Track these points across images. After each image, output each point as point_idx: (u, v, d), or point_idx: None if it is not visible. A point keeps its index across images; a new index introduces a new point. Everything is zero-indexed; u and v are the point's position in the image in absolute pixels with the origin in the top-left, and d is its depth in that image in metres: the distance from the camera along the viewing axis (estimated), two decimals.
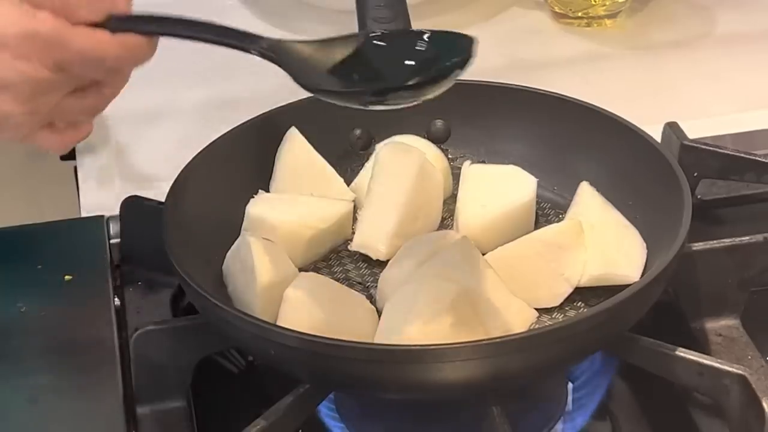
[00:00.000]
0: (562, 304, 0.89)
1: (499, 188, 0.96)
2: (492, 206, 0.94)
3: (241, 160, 0.99)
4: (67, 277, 0.98)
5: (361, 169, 1.01)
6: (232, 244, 0.92)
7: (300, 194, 0.98)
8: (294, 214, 0.94)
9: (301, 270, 0.91)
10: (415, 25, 1.08)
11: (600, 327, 0.81)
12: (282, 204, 0.96)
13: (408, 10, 1.09)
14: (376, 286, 0.91)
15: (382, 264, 0.93)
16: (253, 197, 0.96)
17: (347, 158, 1.03)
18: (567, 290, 0.89)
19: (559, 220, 0.96)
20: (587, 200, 0.93)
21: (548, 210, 0.99)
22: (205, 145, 0.98)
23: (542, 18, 1.33)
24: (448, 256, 0.86)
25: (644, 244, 0.90)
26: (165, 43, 1.30)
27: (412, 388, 0.80)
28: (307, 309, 0.85)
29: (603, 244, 0.90)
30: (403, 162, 0.95)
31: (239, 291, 0.89)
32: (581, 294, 0.90)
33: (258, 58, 1.31)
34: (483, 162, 1.01)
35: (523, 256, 0.89)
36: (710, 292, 0.94)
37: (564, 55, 1.27)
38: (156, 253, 0.90)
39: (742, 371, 0.82)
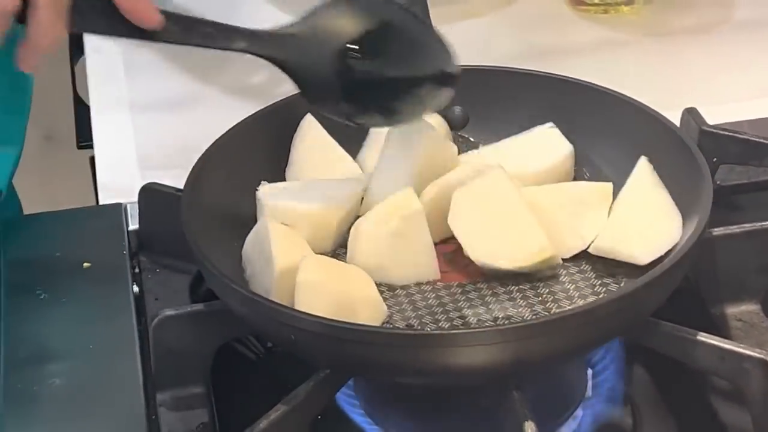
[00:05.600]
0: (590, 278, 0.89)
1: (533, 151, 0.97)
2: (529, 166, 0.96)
3: (257, 147, 0.99)
4: (85, 265, 0.99)
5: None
6: (250, 230, 0.92)
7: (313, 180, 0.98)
8: (319, 200, 0.94)
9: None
10: (434, 13, 1.08)
11: (621, 312, 0.81)
12: (299, 192, 0.96)
13: None
14: None
15: None
16: (257, 189, 0.95)
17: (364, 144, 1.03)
18: (579, 246, 0.90)
19: None
20: (639, 175, 0.93)
21: None
22: (222, 133, 0.97)
23: (559, 5, 1.33)
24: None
25: (678, 234, 0.89)
26: None
27: (432, 372, 0.80)
28: (321, 292, 0.85)
29: (628, 220, 0.90)
30: (416, 132, 0.95)
31: (257, 275, 0.89)
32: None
33: None
34: None
35: (545, 203, 0.90)
36: (730, 277, 0.94)
37: (581, 42, 1.27)
38: (174, 240, 0.90)
39: (764, 355, 0.82)
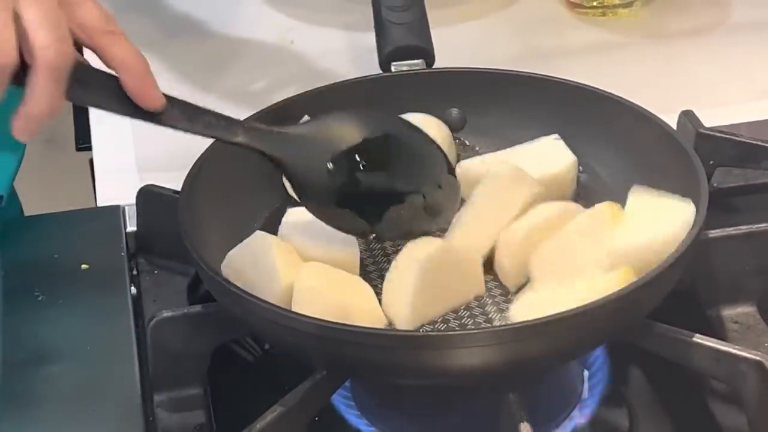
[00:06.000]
0: None
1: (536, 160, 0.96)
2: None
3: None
4: (83, 266, 0.99)
5: None
6: (247, 232, 0.92)
7: None
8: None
9: None
10: (432, 15, 1.08)
11: (616, 313, 0.81)
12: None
13: None
14: None
15: None
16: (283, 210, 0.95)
17: None
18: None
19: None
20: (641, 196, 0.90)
21: None
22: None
23: (557, 7, 1.33)
24: None
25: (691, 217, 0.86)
26: (179, 35, 1.31)
27: (428, 374, 0.80)
28: (319, 299, 0.85)
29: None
30: (517, 189, 0.92)
31: (254, 288, 0.88)
32: None
33: (272, 50, 1.31)
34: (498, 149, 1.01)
35: (561, 250, 0.88)
36: (727, 279, 0.94)
37: (579, 45, 1.27)
38: (172, 242, 0.90)
39: (759, 357, 0.82)
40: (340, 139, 0.87)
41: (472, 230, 0.91)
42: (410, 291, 0.85)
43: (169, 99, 0.83)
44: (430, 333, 0.79)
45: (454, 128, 1.03)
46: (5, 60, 0.77)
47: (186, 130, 0.85)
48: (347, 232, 0.88)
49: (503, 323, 0.85)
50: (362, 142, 0.88)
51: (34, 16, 0.77)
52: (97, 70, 0.82)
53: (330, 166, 0.87)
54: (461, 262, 0.88)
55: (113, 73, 0.82)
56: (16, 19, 0.77)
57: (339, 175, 0.87)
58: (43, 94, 0.78)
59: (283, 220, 0.93)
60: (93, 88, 0.82)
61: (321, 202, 0.87)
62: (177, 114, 0.84)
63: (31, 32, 0.77)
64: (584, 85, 1.00)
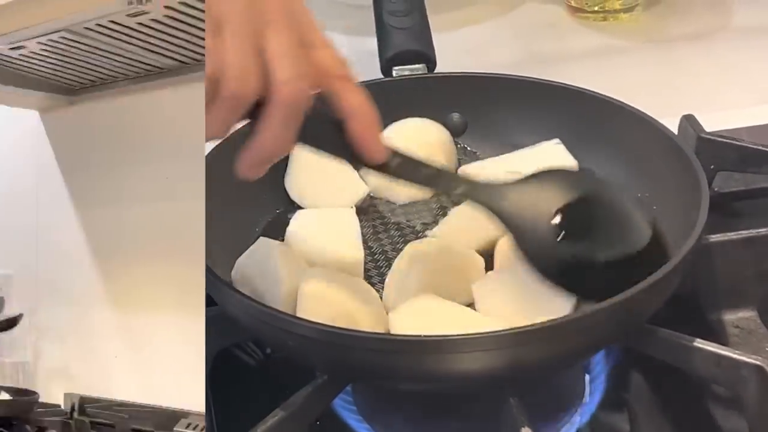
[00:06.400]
0: None
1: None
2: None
3: None
4: None
5: None
6: (249, 236, 0.92)
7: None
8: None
9: None
10: (434, 20, 1.08)
11: (617, 318, 0.81)
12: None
13: (424, 3, 1.09)
14: None
15: None
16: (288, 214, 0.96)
17: None
18: None
19: None
20: None
21: None
22: (222, 140, 0.98)
23: (558, 12, 1.33)
24: None
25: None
26: None
27: (430, 378, 0.80)
28: (323, 303, 0.85)
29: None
30: None
31: (259, 295, 0.89)
32: None
33: None
34: (498, 155, 1.01)
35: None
36: (727, 284, 0.94)
37: (580, 49, 1.28)
38: None
39: (760, 362, 0.82)
40: (562, 194, 0.85)
41: (464, 229, 0.92)
42: (411, 293, 0.86)
43: (392, 151, 0.82)
44: (431, 337, 0.78)
45: (455, 133, 1.03)
46: (246, 91, 0.75)
47: (407, 180, 0.84)
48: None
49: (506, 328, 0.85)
50: (578, 199, 0.85)
51: (278, 50, 0.75)
52: (326, 114, 0.80)
53: (554, 221, 0.83)
54: (462, 264, 0.88)
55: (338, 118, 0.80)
56: (260, 51, 0.75)
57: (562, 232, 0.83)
58: (276, 130, 0.76)
59: (290, 223, 0.94)
60: (320, 132, 0.80)
61: (543, 257, 0.83)
62: (397, 166, 0.82)
63: (274, 65, 0.75)
64: (585, 89, 1.00)
